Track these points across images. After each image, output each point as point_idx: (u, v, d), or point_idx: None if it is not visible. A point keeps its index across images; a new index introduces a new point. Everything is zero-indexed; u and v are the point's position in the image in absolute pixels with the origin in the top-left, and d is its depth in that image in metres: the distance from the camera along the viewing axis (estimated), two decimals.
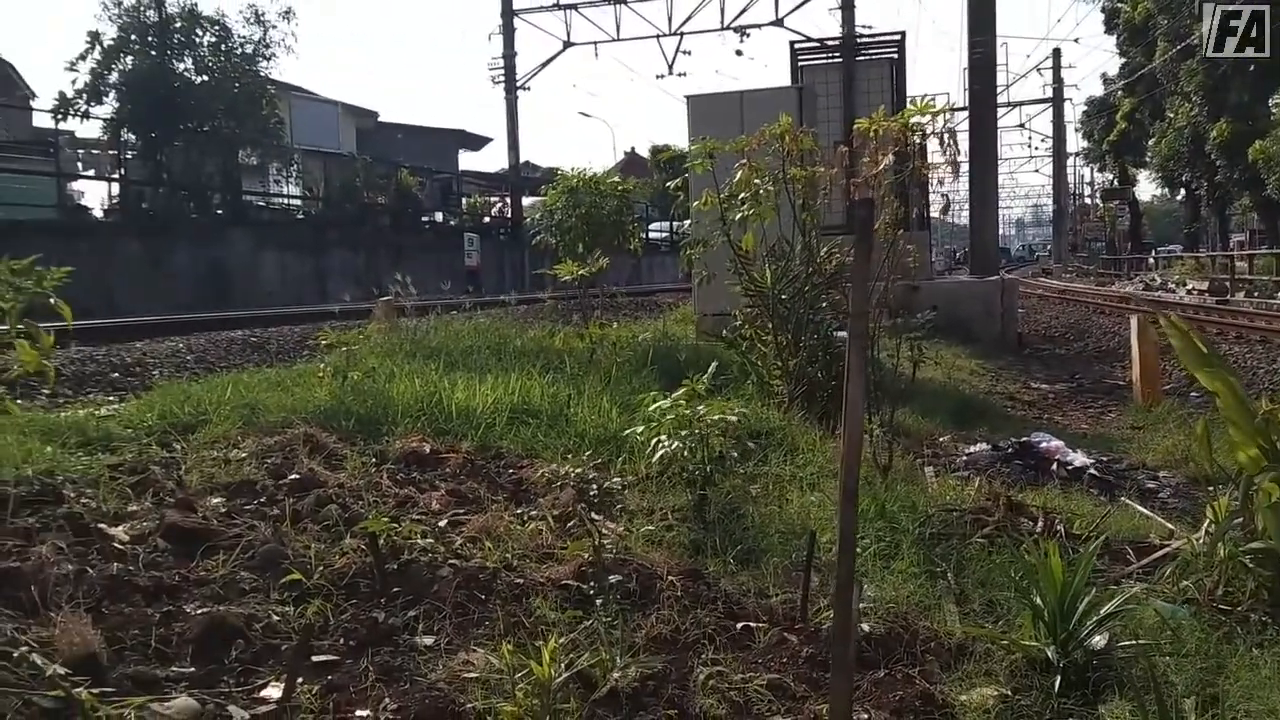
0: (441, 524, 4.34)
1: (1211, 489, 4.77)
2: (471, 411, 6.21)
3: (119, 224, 24.63)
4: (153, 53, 25.71)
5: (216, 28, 26.85)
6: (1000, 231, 34.36)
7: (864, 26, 31.10)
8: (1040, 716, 3.09)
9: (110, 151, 28.00)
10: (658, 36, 35.99)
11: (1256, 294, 27.47)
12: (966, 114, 23.51)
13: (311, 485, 4.58)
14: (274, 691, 2.82)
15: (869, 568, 4.16)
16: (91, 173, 30.51)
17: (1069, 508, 5.58)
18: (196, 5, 26.55)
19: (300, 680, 2.83)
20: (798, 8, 34.22)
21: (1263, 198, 40.06)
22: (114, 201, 27.16)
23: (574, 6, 36.20)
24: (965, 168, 17.62)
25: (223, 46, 26.98)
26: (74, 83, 24.65)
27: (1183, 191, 54.64)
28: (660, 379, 7.60)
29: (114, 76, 25.23)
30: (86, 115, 25.14)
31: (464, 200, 42.87)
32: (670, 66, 36.51)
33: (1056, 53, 60.07)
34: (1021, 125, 67.75)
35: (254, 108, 27.11)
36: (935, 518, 4.88)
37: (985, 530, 4.77)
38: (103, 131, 27.05)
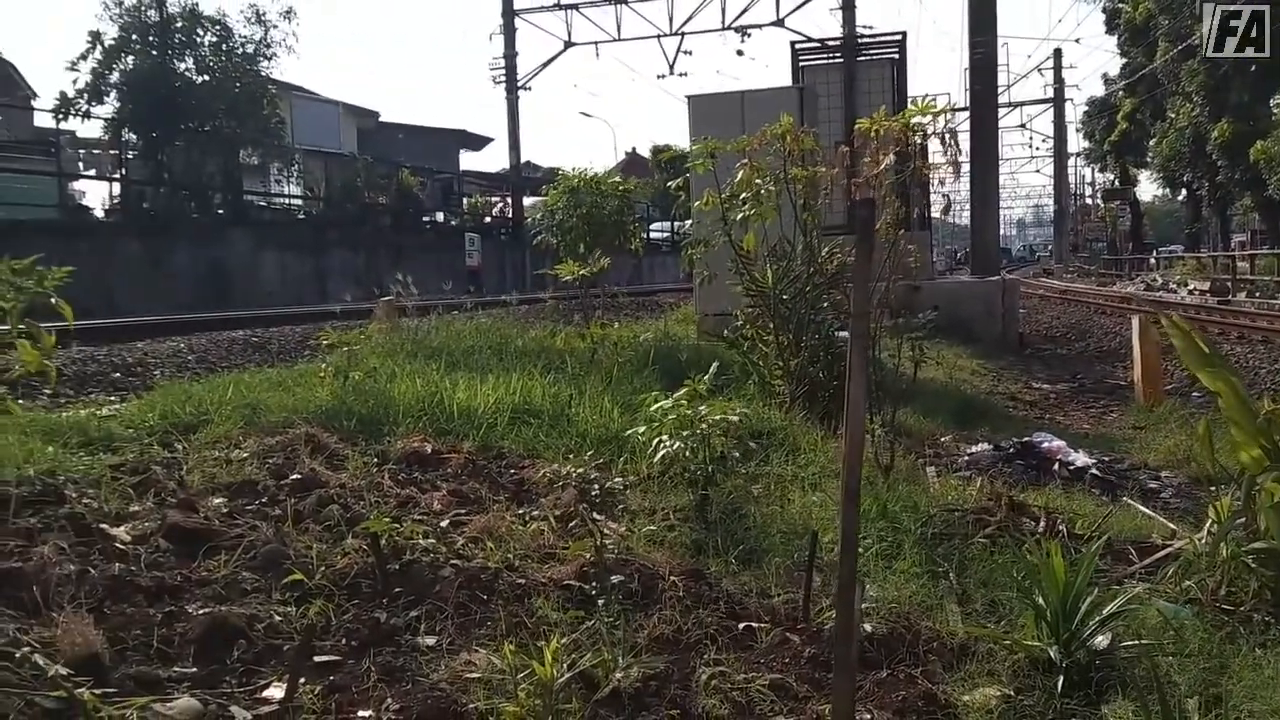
0: (443, 524, 4.34)
1: (1214, 489, 4.76)
2: (473, 411, 6.20)
3: (120, 224, 24.64)
4: (154, 52, 25.72)
5: (217, 27, 26.87)
6: (1001, 232, 34.35)
7: (865, 27, 31.15)
8: (1043, 717, 3.09)
9: (111, 151, 28.00)
10: (659, 36, 36.01)
11: (1258, 294, 27.46)
12: (967, 114, 23.52)
13: (313, 485, 4.58)
14: (276, 692, 2.82)
15: (871, 568, 4.16)
16: (93, 172, 30.54)
17: (1071, 508, 5.57)
18: (197, 5, 26.59)
19: (302, 680, 2.83)
20: (799, 8, 34.28)
21: (1264, 198, 40.05)
22: (115, 201, 27.17)
23: (575, 6, 36.21)
24: (966, 168, 17.60)
25: (224, 46, 26.99)
26: (75, 82, 24.70)
27: (1184, 192, 54.60)
28: (662, 379, 7.60)
29: (115, 76, 25.25)
30: (88, 115, 25.18)
31: (465, 200, 42.89)
32: (671, 66, 36.53)
33: (1057, 53, 60.17)
34: (1022, 125, 67.90)
35: (255, 108, 27.12)
36: (937, 518, 4.88)
37: (987, 530, 4.77)
38: (104, 131, 27.07)
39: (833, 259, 7.84)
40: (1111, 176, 65.66)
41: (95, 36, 24.85)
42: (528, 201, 38.07)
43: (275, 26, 27.52)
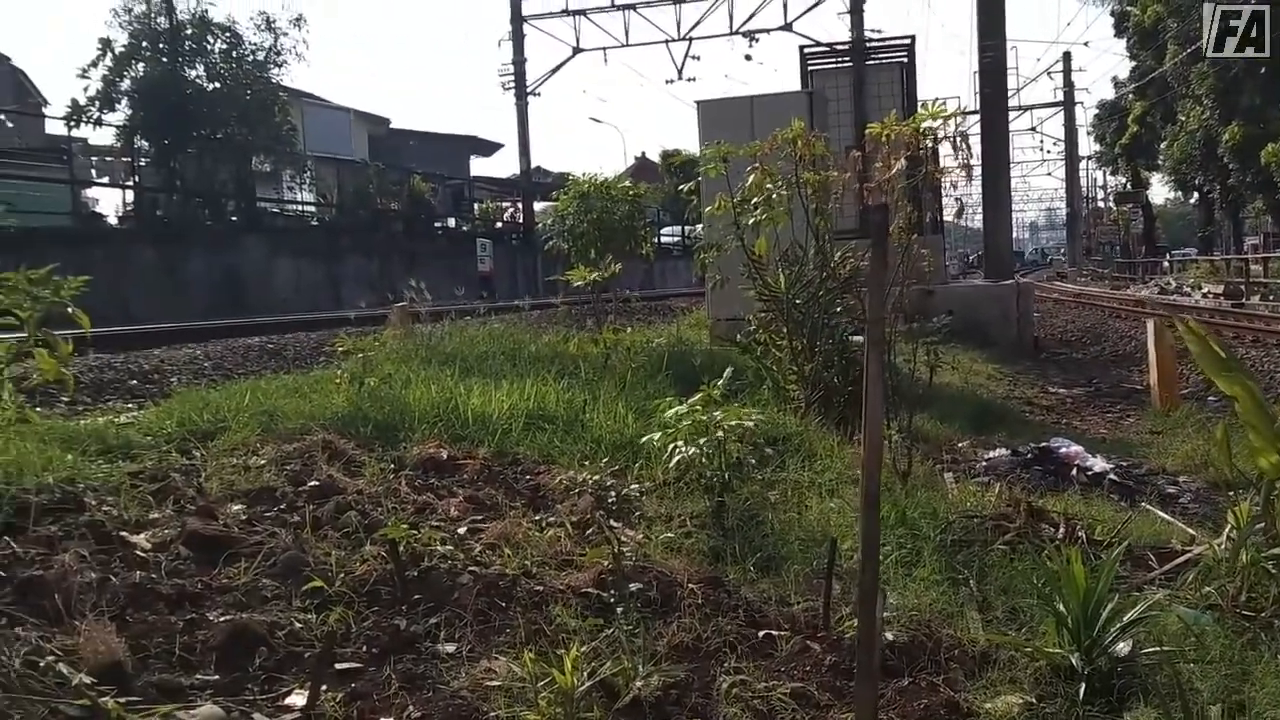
0: (460, 531, 4.35)
1: (1232, 494, 4.75)
2: (488, 417, 6.20)
3: (133, 231, 24.78)
4: (164, 60, 25.84)
5: (227, 35, 27.01)
6: (1014, 235, 34.26)
7: (873, 31, 31.00)
8: None
9: (124, 159, 28.12)
10: (667, 42, 36.02)
11: (1272, 297, 27.32)
12: (978, 117, 23.49)
13: (331, 492, 4.59)
14: (298, 699, 2.83)
15: (891, 575, 4.15)
16: (105, 180, 30.69)
17: (1090, 513, 5.54)
18: (207, 12, 26.69)
19: (324, 688, 2.83)
20: (807, 12, 34.29)
21: (1276, 201, 39.96)
22: (128, 209, 27.33)
23: (583, 12, 36.25)
24: (978, 171, 17.60)
25: (234, 53, 27.11)
26: (86, 90, 24.81)
27: (1196, 195, 54.47)
28: (675, 384, 7.59)
29: (126, 83, 25.37)
30: (99, 122, 25.28)
31: (476, 206, 43.04)
32: (679, 72, 36.58)
33: (1067, 56, 60.06)
34: (1033, 129, 67.75)
35: (266, 114, 27.22)
36: (956, 524, 4.86)
37: (1006, 537, 4.75)
38: (116, 139, 27.17)
39: (845, 263, 7.83)
40: (1123, 179, 65.51)
41: (106, 44, 24.99)
42: (538, 207, 38.19)
43: (285, 34, 27.67)
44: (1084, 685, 3.19)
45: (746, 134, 9.24)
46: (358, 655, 3.20)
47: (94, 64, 24.80)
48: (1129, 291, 37.30)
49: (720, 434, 4.74)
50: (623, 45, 36.40)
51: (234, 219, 27.58)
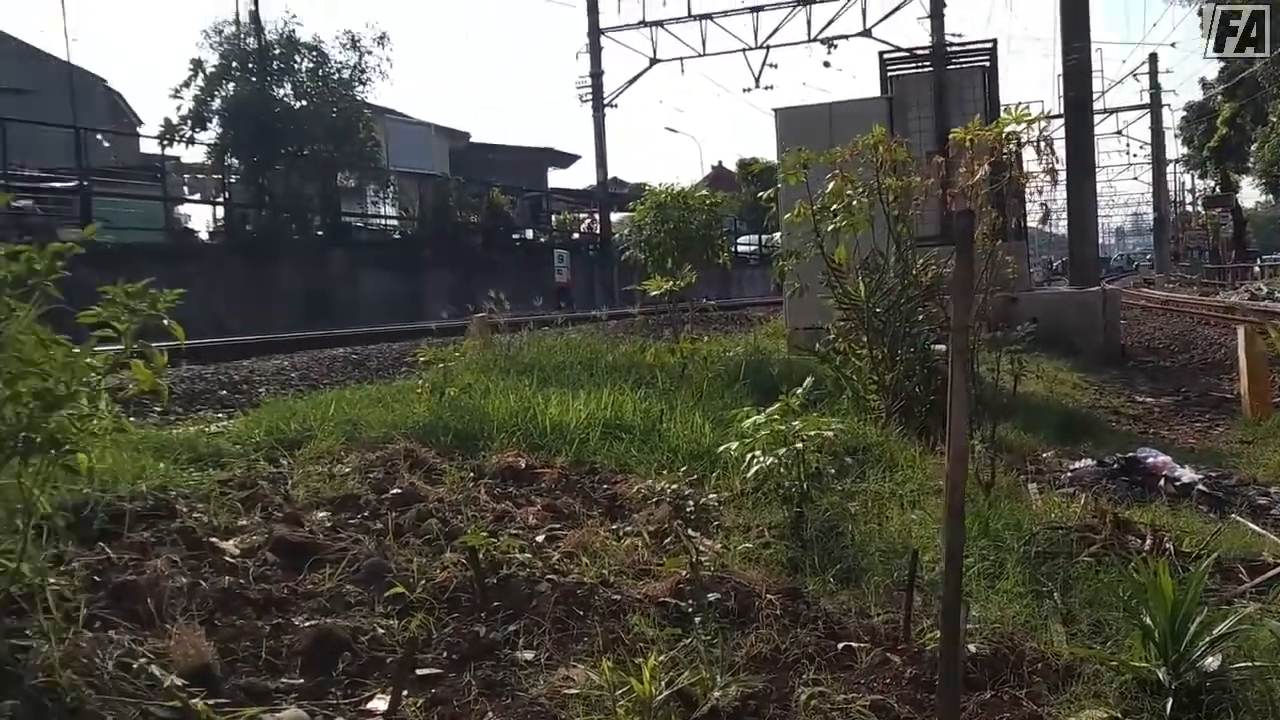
0: (538, 539, 4.37)
1: None
2: (565, 427, 6.24)
3: (224, 246, 25.52)
4: (253, 79, 26.58)
5: (314, 54, 27.68)
6: (1099, 240, 33.47)
7: (953, 35, 30.54)
8: None
9: (214, 176, 28.97)
10: (744, 50, 36.02)
11: None
12: (1062, 121, 23.00)
13: (412, 499, 4.66)
14: (380, 704, 2.87)
15: (974, 587, 4.07)
16: (197, 196, 31.65)
17: (1177, 525, 5.40)
18: (294, 32, 27.37)
19: (405, 693, 2.87)
20: (886, 17, 34.09)
21: None
22: (219, 224, 28.13)
23: (660, 24, 36.42)
24: (1063, 176, 17.22)
25: (320, 72, 27.78)
26: (179, 109, 25.63)
27: None
28: (753, 394, 7.56)
29: (216, 103, 26.15)
30: (191, 141, 26.14)
31: (553, 217, 43.44)
32: (757, 80, 36.51)
33: (1153, 57, 58.68)
34: (1119, 132, 66.19)
35: (351, 131, 27.82)
36: (1040, 536, 4.75)
37: (1092, 548, 4.63)
38: (207, 156, 28.04)
39: (927, 270, 7.73)
40: (1212, 183, 63.58)
41: (197, 65, 25.79)
42: (615, 217, 38.37)
43: (369, 52, 28.27)
44: (1171, 701, 3.10)
45: (825, 141, 9.17)
46: (438, 661, 3.23)
47: (186, 84, 25.65)
48: (1218, 297, 36.12)
49: (799, 444, 4.70)
50: (699, 55, 36.50)
51: (320, 233, 28.22)
